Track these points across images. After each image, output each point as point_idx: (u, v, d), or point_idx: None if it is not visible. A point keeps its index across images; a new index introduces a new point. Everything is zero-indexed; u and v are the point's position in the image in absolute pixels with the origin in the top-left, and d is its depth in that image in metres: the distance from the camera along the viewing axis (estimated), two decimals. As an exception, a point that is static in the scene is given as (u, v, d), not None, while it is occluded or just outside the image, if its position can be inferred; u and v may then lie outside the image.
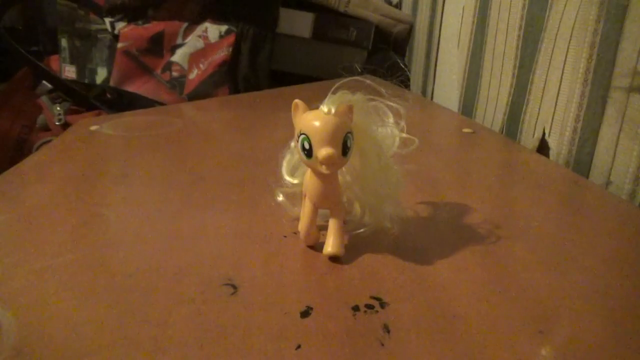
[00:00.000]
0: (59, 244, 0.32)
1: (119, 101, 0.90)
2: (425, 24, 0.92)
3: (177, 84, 0.88)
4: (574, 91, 0.50)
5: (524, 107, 0.60)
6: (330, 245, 0.30)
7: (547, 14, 0.55)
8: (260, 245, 0.32)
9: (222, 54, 0.87)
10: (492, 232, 0.34)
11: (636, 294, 0.28)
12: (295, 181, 0.35)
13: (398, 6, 1.07)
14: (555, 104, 0.53)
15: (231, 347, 0.23)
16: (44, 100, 0.92)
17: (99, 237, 0.33)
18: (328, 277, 0.29)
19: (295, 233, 0.34)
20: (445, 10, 0.84)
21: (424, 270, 0.30)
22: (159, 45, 0.90)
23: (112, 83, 0.90)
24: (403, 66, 0.37)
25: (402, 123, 0.33)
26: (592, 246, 0.33)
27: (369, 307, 0.26)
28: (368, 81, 0.30)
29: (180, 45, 0.90)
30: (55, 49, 0.96)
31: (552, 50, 0.54)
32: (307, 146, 0.27)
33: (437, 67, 0.88)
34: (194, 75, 0.88)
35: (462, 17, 0.77)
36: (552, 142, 0.54)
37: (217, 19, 0.88)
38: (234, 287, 0.27)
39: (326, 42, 0.95)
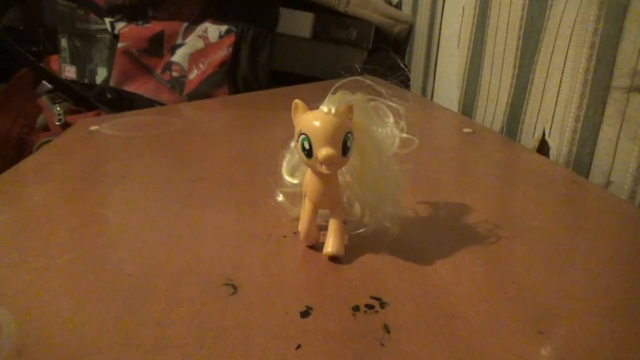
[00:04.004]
0: (58, 244, 0.32)
1: (119, 101, 0.90)
2: (425, 24, 0.92)
3: (177, 84, 0.88)
4: (574, 91, 0.50)
5: (524, 107, 0.60)
6: (330, 245, 0.30)
7: (547, 14, 0.55)
8: (260, 245, 0.32)
9: (222, 54, 0.87)
10: (492, 232, 0.34)
11: (636, 294, 0.28)
12: (295, 181, 0.35)
13: (398, 6, 1.07)
14: (555, 104, 0.53)
15: (231, 347, 0.23)
16: (44, 100, 0.92)
17: (99, 237, 0.33)
18: (328, 277, 0.29)
19: (295, 233, 0.34)
20: (445, 10, 0.84)
21: (424, 270, 0.30)
22: (159, 45, 0.90)
23: (112, 83, 0.90)
24: (403, 66, 0.37)
25: (402, 123, 0.33)
26: (592, 246, 0.33)
27: (369, 307, 0.26)
28: (368, 81, 0.30)
29: (180, 45, 0.89)
30: (55, 49, 0.96)
31: (552, 50, 0.54)
32: (307, 146, 0.27)
33: (437, 67, 0.88)
34: (194, 75, 0.88)
35: (462, 17, 0.77)
36: (552, 142, 0.54)
37: (217, 19, 0.88)
38: (234, 287, 0.27)
39: (326, 42, 0.95)
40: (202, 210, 0.37)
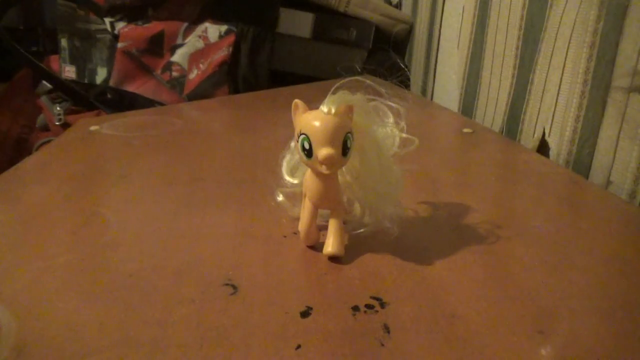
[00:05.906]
0: (59, 244, 0.32)
1: (119, 101, 0.90)
2: (425, 24, 0.92)
3: (177, 84, 0.88)
4: (574, 91, 0.50)
5: (524, 107, 0.60)
6: (330, 245, 0.30)
7: (547, 14, 0.55)
8: (260, 245, 0.32)
9: (222, 54, 0.87)
10: (492, 232, 0.34)
11: (635, 293, 0.28)
12: (295, 181, 0.35)
13: (398, 6, 1.07)
14: (555, 104, 0.53)
15: (231, 347, 0.23)
16: (44, 100, 0.92)
17: (99, 237, 0.33)
18: (328, 277, 0.29)
19: (295, 233, 0.34)
20: (445, 10, 0.84)
21: (424, 270, 0.30)
22: (159, 45, 0.90)
23: (112, 83, 0.90)
24: (403, 66, 0.37)
25: (402, 123, 0.33)
26: (592, 246, 0.33)
27: (369, 307, 0.26)
28: (368, 81, 0.30)
29: (180, 45, 0.89)
30: (55, 49, 0.96)
31: (552, 50, 0.54)
32: (307, 146, 0.27)
33: (437, 67, 0.88)
34: (194, 75, 0.88)
35: (462, 17, 0.77)
36: (552, 142, 0.54)
37: (217, 19, 0.89)
38: (234, 287, 0.27)
39: (326, 42, 0.95)
40: (202, 210, 0.37)
